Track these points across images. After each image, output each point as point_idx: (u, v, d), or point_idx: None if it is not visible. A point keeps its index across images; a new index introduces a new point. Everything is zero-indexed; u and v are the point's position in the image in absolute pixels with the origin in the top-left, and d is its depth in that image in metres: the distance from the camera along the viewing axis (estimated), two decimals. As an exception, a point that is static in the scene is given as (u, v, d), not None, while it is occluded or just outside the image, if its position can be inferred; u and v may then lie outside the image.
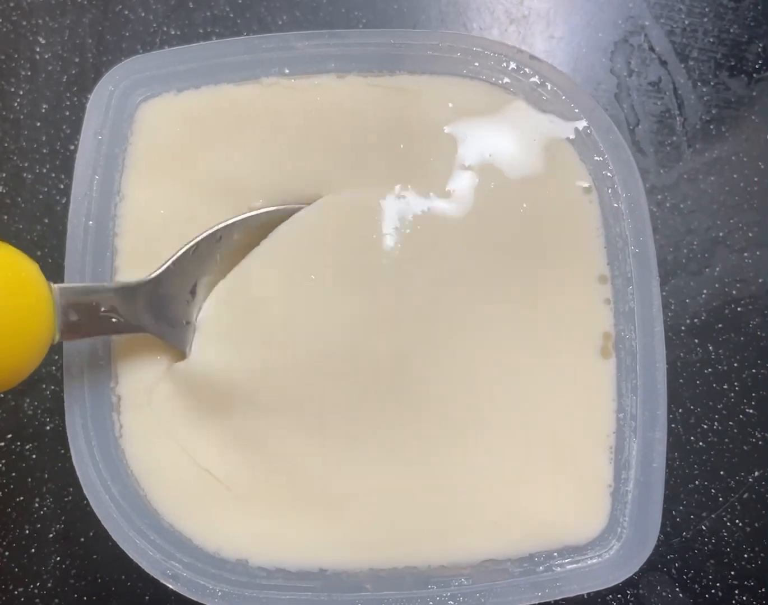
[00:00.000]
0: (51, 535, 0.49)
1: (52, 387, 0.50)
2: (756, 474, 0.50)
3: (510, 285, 0.43)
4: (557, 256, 0.44)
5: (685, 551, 0.49)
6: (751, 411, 0.50)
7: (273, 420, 0.41)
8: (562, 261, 0.44)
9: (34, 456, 0.49)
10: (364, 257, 0.43)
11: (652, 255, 0.43)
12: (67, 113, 0.53)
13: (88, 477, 0.40)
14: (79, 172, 0.43)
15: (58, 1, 0.55)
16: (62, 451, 0.49)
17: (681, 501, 0.49)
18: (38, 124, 0.53)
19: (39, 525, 0.49)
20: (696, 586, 0.49)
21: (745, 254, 0.53)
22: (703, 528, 0.49)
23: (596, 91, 0.54)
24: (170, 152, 0.44)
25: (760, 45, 0.56)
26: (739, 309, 0.52)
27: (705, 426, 0.50)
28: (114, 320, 0.38)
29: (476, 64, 0.45)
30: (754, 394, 0.51)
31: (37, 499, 0.49)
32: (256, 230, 0.43)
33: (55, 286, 0.37)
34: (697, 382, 0.51)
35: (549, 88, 0.44)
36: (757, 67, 0.55)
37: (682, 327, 0.51)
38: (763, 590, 0.48)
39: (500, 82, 0.45)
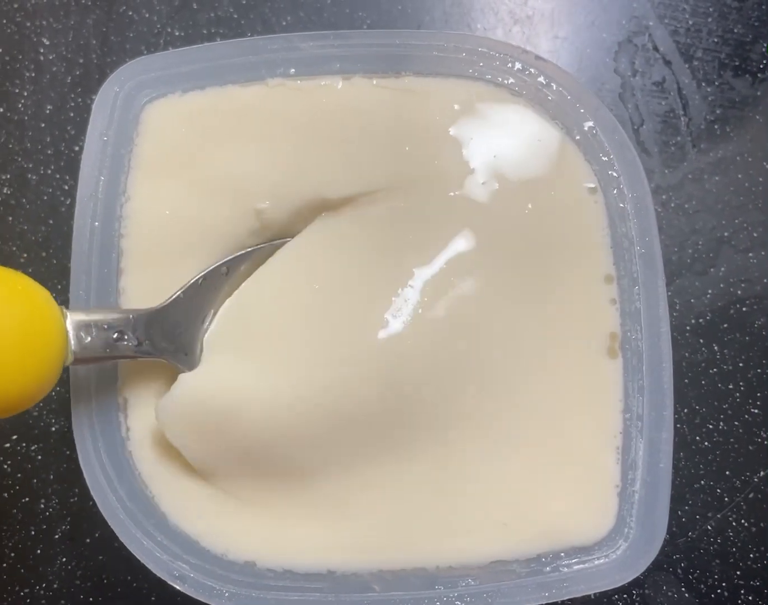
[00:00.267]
0: (57, 536, 0.49)
1: (58, 388, 0.49)
2: (761, 473, 0.50)
3: (515, 286, 0.43)
4: (563, 257, 0.44)
5: (691, 551, 0.49)
6: (756, 411, 0.50)
7: (279, 430, 0.41)
8: (568, 261, 0.44)
9: (39, 457, 0.49)
10: (369, 268, 0.43)
11: (658, 255, 0.43)
12: (72, 114, 0.53)
13: (95, 479, 0.40)
14: (84, 173, 0.43)
15: (62, 2, 0.55)
16: (68, 452, 0.49)
17: (687, 501, 0.49)
18: (43, 125, 0.53)
19: (45, 527, 0.49)
20: (702, 586, 0.49)
21: (750, 254, 0.53)
22: (709, 528, 0.49)
23: (600, 91, 0.54)
24: (176, 153, 0.44)
25: (765, 45, 0.56)
26: (744, 309, 0.52)
27: (710, 426, 0.50)
28: (125, 345, 0.39)
29: (481, 64, 0.45)
30: (759, 394, 0.51)
31: (42, 500, 0.49)
32: (262, 263, 0.44)
33: (67, 311, 0.37)
34: (703, 382, 0.51)
35: (554, 88, 0.44)
36: (761, 66, 0.55)
37: (687, 328, 0.51)
38: (769, 590, 0.48)
39: (505, 82, 0.44)
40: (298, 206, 0.44)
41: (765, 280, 0.52)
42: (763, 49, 0.55)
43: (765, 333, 0.51)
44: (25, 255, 0.51)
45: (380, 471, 0.41)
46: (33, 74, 0.54)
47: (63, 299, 0.49)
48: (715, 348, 0.51)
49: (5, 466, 0.49)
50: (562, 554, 0.41)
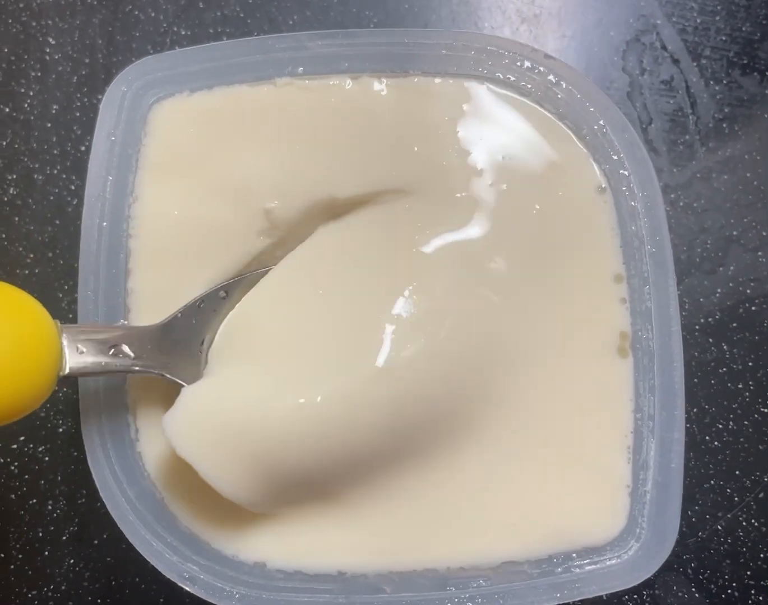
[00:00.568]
0: (64, 538, 0.48)
1: (65, 389, 0.49)
2: (771, 473, 0.50)
3: (524, 287, 0.43)
4: (572, 256, 0.44)
5: (701, 551, 0.49)
6: (766, 410, 0.50)
7: (290, 440, 0.39)
8: (578, 261, 0.44)
9: (47, 458, 0.49)
10: (375, 272, 0.43)
11: (668, 254, 0.42)
12: (78, 114, 0.53)
13: (104, 480, 0.40)
14: (92, 173, 0.43)
15: (67, 1, 0.55)
16: (75, 453, 0.49)
17: (697, 501, 0.49)
18: (49, 125, 0.53)
19: (52, 528, 0.48)
20: (712, 586, 0.48)
21: (759, 253, 0.52)
22: (719, 528, 0.49)
23: (608, 89, 0.54)
24: (184, 153, 0.44)
25: (773, 43, 0.56)
26: (753, 308, 0.52)
27: (720, 426, 0.50)
28: (121, 360, 0.38)
29: (490, 63, 0.44)
30: (769, 394, 0.51)
31: (50, 502, 0.49)
32: None
33: (62, 325, 0.37)
34: (712, 382, 0.51)
35: (564, 87, 0.44)
36: (769, 65, 0.55)
37: (697, 327, 0.51)
38: (780, 590, 0.48)
39: (515, 81, 0.44)
40: (306, 205, 0.44)
41: (774, 279, 0.52)
42: (772, 47, 0.55)
43: (774, 333, 0.51)
44: (32, 255, 0.51)
45: (391, 475, 0.41)
46: (39, 74, 0.54)
47: (70, 299, 0.50)
48: (725, 347, 0.51)
49: (12, 468, 0.49)
50: (574, 555, 0.41)
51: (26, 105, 0.53)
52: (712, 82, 0.55)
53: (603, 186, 0.44)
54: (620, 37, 0.55)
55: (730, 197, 0.53)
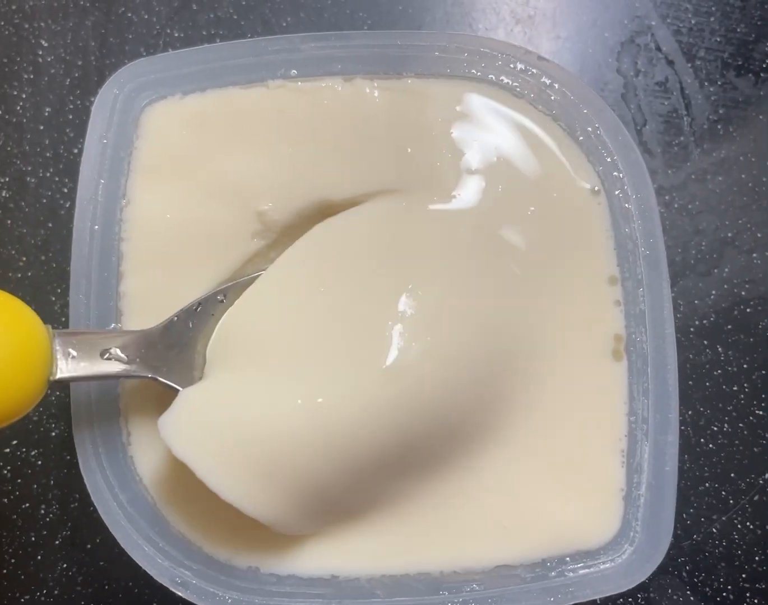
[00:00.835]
0: (57, 542, 0.48)
1: (58, 393, 0.49)
2: (767, 475, 0.49)
3: (519, 288, 0.43)
4: (567, 258, 0.43)
5: (696, 554, 0.49)
6: (761, 412, 0.50)
7: (290, 443, 0.39)
8: (572, 263, 0.43)
9: (39, 462, 0.49)
10: (372, 271, 0.42)
11: (662, 256, 0.42)
12: (71, 116, 0.53)
13: (96, 485, 0.40)
14: (84, 176, 0.42)
15: (60, 3, 0.55)
16: (68, 457, 0.49)
17: (691, 503, 0.49)
18: (41, 127, 0.53)
19: (45, 532, 0.48)
20: (707, 589, 0.48)
21: (754, 255, 0.52)
22: (714, 530, 0.49)
23: (603, 91, 0.54)
24: (176, 156, 0.44)
25: (767, 44, 0.55)
26: (748, 310, 0.52)
27: (715, 428, 0.50)
28: (114, 364, 0.38)
29: (483, 65, 0.44)
30: (764, 396, 0.50)
31: (42, 506, 0.48)
32: None
33: (54, 330, 0.37)
34: (707, 384, 0.51)
35: (557, 88, 0.44)
36: (764, 66, 0.55)
37: (691, 329, 0.51)
38: (775, 592, 0.48)
39: (508, 83, 0.44)
40: (300, 208, 0.44)
41: (769, 281, 0.52)
42: (766, 49, 0.55)
43: (769, 335, 0.51)
44: (24, 258, 0.51)
45: (386, 479, 0.41)
46: (31, 76, 0.54)
47: (62, 303, 0.50)
48: (719, 349, 0.51)
49: (5, 472, 0.49)
50: (568, 559, 0.40)
51: (19, 107, 0.53)
52: (706, 84, 0.55)
53: (597, 188, 0.44)
54: (615, 39, 0.55)
55: (724, 199, 0.53)
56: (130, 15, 0.55)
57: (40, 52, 0.54)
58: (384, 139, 0.44)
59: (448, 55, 0.44)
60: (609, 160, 0.44)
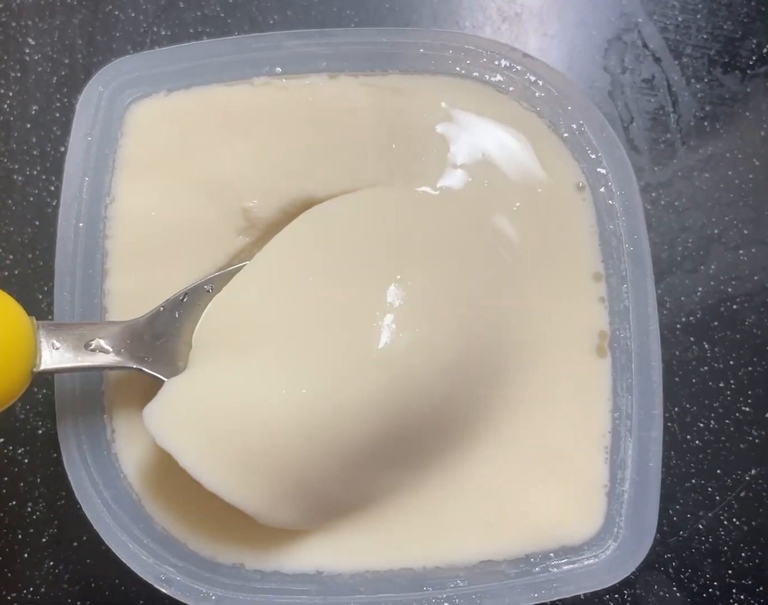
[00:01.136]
0: (44, 540, 0.48)
1: (45, 390, 0.49)
2: (753, 472, 0.49)
3: (503, 283, 0.43)
4: (552, 254, 0.44)
5: (683, 550, 0.49)
6: (747, 409, 0.50)
7: (276, 433, 0.39)
8: (557, 259, 0.44)
9: (26, 460, 0.49)
10: (357, 261, 0.42)
11: (646, 253, 0.42)
12: (58, 115, 0.53)
13: (80, 482, 0.40)
14: (68, 174, 0.43)
15: (47, 2, 0.55)
16: (55, 455, 0.49)
17: (678, 500, 0.49)
18: (28, 125, 0.53)
19: (32, 530, 0.48)
20: (693, 585, 0.48)
21: (741, 251, 0.52)
22: (700, 527, 0.49)
23: (590, 88, 0.54)
24: (161, 153, 0.44)
25: (754, 41, 0.55)
26: (734, 306, 0.52)
27: (701, 425, 0.50)
28: (99, 355, 0.38)
29: (468, 62, 0.44)
30: (750, 392, 0.50)
31: (29, 504, 0.48)
32: None
33: (36, 320, 0.37)
34: (693, 381, 0.51)
35: (542, 85, 0.44)
36: (750, 63, 0.55)
37: (678, 326, 0.51)
38: (761, 588, 0.48)
39: (493, 80, 0.44)
40: (285, 204, 0.44)
41: (755, 278, 0.52)
42: (753, 46, 0.55)
43: (755, 331, 0.51)
44: (11, 257, 0.51)
45: (371, 473, 0.41)
46: (18, 74, 0.54)
47: (49, 301, 0.50)
48: (706, 346, 0.51)
49: (-9, 470, 0.49)
50: (551, 554, 0.41)
51: (5, 106, 0.53)
52: (693, 81, 0.55)
53: (581, 184, 0.44)
54: (602, 36, 0.55)
55: (711, 196, 0.53)
56: (117, 13, 0.55)
57: (27, 51, 0.54)
58: (369, 136, 0.44)
59: (432, 52, 0.45)
60: (593, 156, 0.44)
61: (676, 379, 0.50)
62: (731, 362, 0.51)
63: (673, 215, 0.53)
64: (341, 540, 0.41)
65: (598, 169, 0.43)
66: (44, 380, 0.49)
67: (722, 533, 0.49)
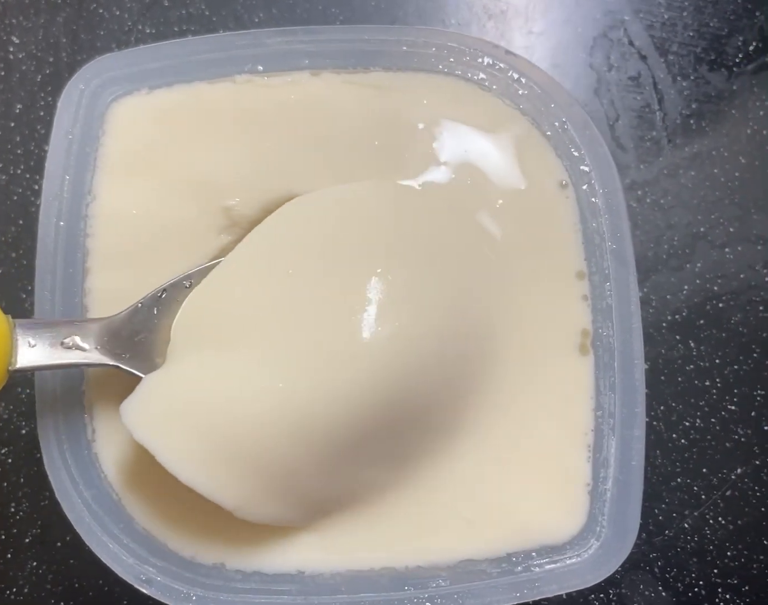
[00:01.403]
0: (27, 540, 0.48)
1: (28, 390, 0.49)
2: (739, 471, 0.49)
3: (487, 281, 0.43)
4: (535, 252, 0.43)
5: (668, 549, 0.49)
6: (733, 407, 0.50)
7: (256, 429, 0.38)
8: (540, 256, 0.43)
9: (9, 460, 0.49)
10: (337, 254, 0.41)
11: (629, 251, 0.42)
12: (42, 113, 0.53)
13: (61, 482, 0.40)
14: (49, 172, 0.42)
15: (31, 0, 0.55)
16: (38, 455, 0.47)
17: (663, 499, 0.49)
18: (12, 124, 0.53)
19: (15, 530, 0.48)
20: (679, 585, 0.48)
21: (727, 249, 0.52)
22: (686, 526, 0.49)
23: (576, 86, 0.54)
24: (143, 151, 0.44)
25: (740, 39, 0.55)
26: (720, 305, 0.51)
27: (687, 424, 0.50)
28: (76, 353, 0.38)
29: (451, 59, 0.44)
30: (736, 391, 0.50)
31: (12, 504, 0.48)
32: None
33: (12, 318, 0.37)
34: (679, 379, 0.50)
35: (524, 83, 0.44)
36: (737, 61, 0.55)
37: (663, 324, 0.51)
38: (747, 588, 0.48)
39: (476, 77, 0.44)
40: (267, 203, 0.43)
41: (741, 276, 0.52)
42: (739, 43, 0.55)
43: (741, 329, 0.51)
44: (-5, 256, 0.51)
45: (350, 469, 0.40)
46: (2, 73, 0.53)
47: (32, 300, 0.49)
48: (692, 344, 0.51)
49: (-26, 470, 0.48)
50: (534, 553, 0.40)
51: (-11, 104, 0.53)
52: (679, 78, 0.55)
53: (564, 182, 0.44)
54: (587, 34, 0.55)
55: (697, 194, 0.53)
56: (101, 11, 0.55)
57: (11, 49, 0.54)
58: (351, 133, 0.44)
59: (415, 50, 0.44)
60: (576, 154, 0.43)
61: (662, 378, 0.50)
62: (717, 360, 0.51)
63: (659, 213, 0.53)
64: (322, 540, 0.41)
65: (581, 167, 0.43)
66: (27, 380, 0.49)
67: (708, 532, 0.49)
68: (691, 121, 0.54)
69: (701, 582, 0.48)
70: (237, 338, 0.40)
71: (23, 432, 0.49)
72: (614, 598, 0.48)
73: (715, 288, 0.52)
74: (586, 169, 0.43)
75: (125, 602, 0.47)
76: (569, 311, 0.43)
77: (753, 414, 0.50)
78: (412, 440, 0.41)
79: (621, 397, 0.41)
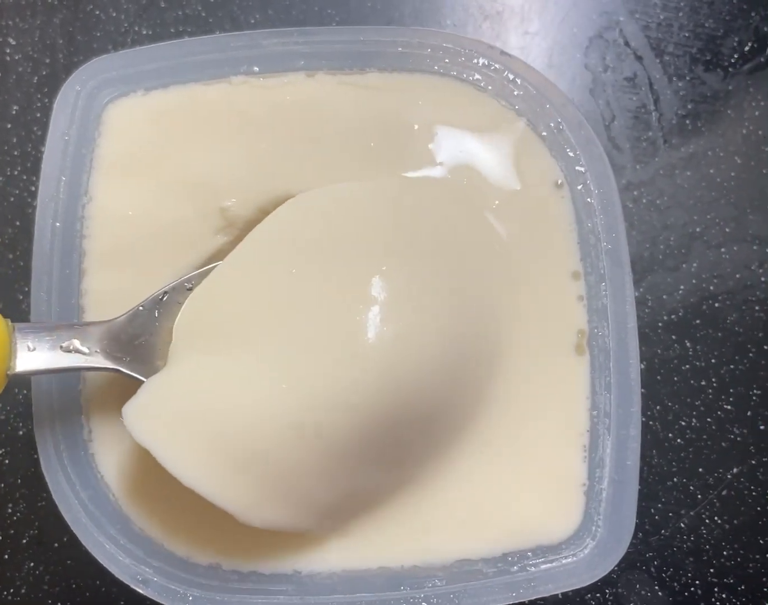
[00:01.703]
0: (24, 541, 0.48)
1: (25, 391, 0.49)
2: (735, 470, 0.49)
3: (484, 281, 0.43)
4: (530, 252, 0.43)
5: (664, 549, 0.49)
6: (729, 407, 0.50)
7: (254, 430, 0.38)
8: (536, 257, 0.44)
9: (6, 461, 0.49)
10: (340, 253, 0.41)
11: (624, 251, 0.42)
12: (38, 115, 0.53)
13: (57, 482, 0.40)
14: (46, 174, 0.42)
15: (28, 1, 0.55)
16: (35, 456, 0.47)
17: (659, 498, 0.49)
18: (9, 126, 0.53)
19: (12, 531, 0.48)
20: (675, 584, 0.48)
21: (722, 249, 0.52)
22: (682, 525, 0.49)
23: (571, 86, 0.54)
24: (139, 152, 0.44)
25: (736, 39, 0.55)
26: (716, 305, 0.52)
27: (683, 423, 0.50)
28: (76, 357, 0.38)
29: (447, 60, 0.44)
30: (731, 390, 0.50)
31: (10, 505, 0.48)
32: None
33: (11, 322, 0.37)
34: (675, 379, 0.50)
35: (520, 84, 0.44)
36: (732, 61, 0.55)
37: (660, 324, 0.51)
38: (743, 587, 0.48)
39: (471, 78, 0.44)
40: (263, 203, 0.43)
41: (737, 276, 0.52)
42: (735, 43, 0.55)
43: (737, 329, 0.51)
44: (-8, 257, 0.51)
45: (350, 469, 0.40)
46: (-1, 74, 0.54)
47: (29, 302, 0.49)
48: (688, 344, 0.51)
49: (-28, 471, 0.48)
50: (529, 553, 0.40)
51: (-14, 106, 0.53)
52: (675, 79, 0.55)
53: (560, 181, 0.44)
54: (583, 34, 0.55)
55: (693, 194, 0.53)
56: (97, 12, 0.55)
57: (8, 50, 0.54)
58: (347, 134, 0.44)
59: (411, 51, 0.44)
60: (571, 154, 0.44)
61: (658, 378, 0.50)
62: (713, 360, 0.51)
63: (655, 213, 0.53)
64: (318, 540, 0.41)
65: (577, 167, 0.43)
66: (25, 381, 0.49)
67: (704, 532, 0.49)
68: (687, 122, 0.54)
69: (697, 582, 0.48)
70: (238, 339, 0.40)
71: (20, 433, 0.49)
72: (610, 598, 0.48)
73: (711, 288, 0.52)
74: (582, 169, 0.43)
75: (122, 602, 0.47)
76: (565, 311, 0.43)
77: (749, 413, 0.50)
78: (413, 441, 0.41)
79: (616, 397, 0.41)
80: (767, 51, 0.55)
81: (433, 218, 0.43)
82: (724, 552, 0.49)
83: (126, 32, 0.54)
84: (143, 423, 0.38)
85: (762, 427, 0.50)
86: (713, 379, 0.51)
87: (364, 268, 0.40)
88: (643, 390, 0.41)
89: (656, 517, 0.49)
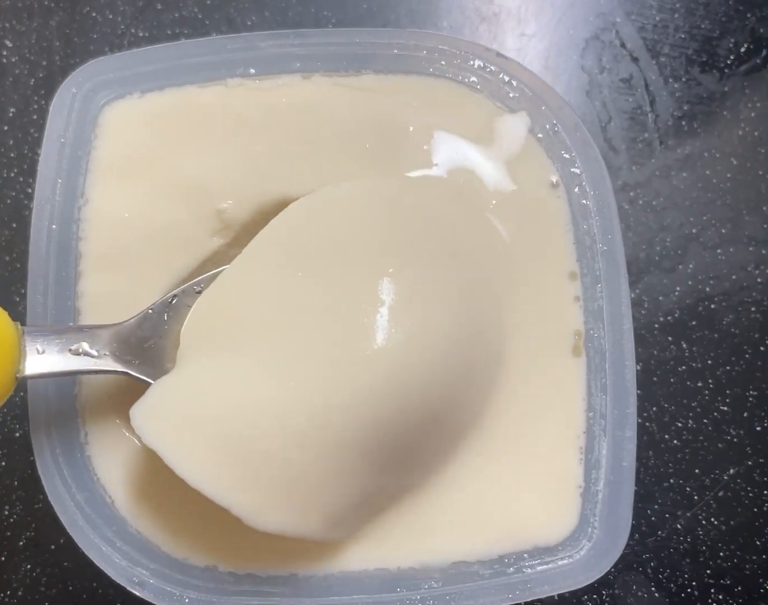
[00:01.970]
0: (21, 543, 0.48)
1: (22, 393, 0.49)
2: (731, 471, 0.49)
3: (481, 283, 0.43)
4: (527, 253, 0.44)
5: (661, 550, 0.49)
6: (725, 408, 0.50)
7: (262, 433, 0.38)
8: (533, 257, 0.44)
9: (3, 463, 0.49)
10: (347, 255, 0.41)
11: (620, 252, 0.42)
12: (35, 117, 0.53)
13: (53, 484, 0.40)
14: (42, 176, 0.42)
15: (25, 4, 0.55)
16: (32, 459, 0.47)
17: (656, 500, 0.49)
18: (5, 128, 0.53)
19: (9, 533, 0.48)
20: (672, 585, 0.48)
21: (719, 251, 0.52)
22: (679, 526, 0.49)
23: (568, 88, 0.54)
24: (135, 155, 0.44)
25: (732, 40, 0.55)
26: (712, 306, 0.52)
27: (679, 424, 0.50)
28: (85, 360, 0.38)
29: (442, 62, 0.44)
30: (728, 391, 0.50)
31: (7, 507, 0.48)
32: None
33: (21, 326, 0.36)
34: (671, 380, 0.51)
35: (515, 85, 0.44)
36: (728, 62, 0.55)
37: (656, 325, 0.51)
38: (739, 588, 0.48)
39: (467, 80, 0.44)
40: (259, 205, 0.43)
41: (733, 277, 0.52)
42: (731, 45, 0.55)
43: (733, 330, 0.51)
44: (-12, 259, 0.51)
45: (354, 471, 0.40)
46: (-5, 77, 0.54)
47: (26, 304, 0.49)
48: (684, 345, 0.51)
49: (-32, 473, 0.48)
50: (526, 555, 0.40)
51: (-18, 108, 0.53)
52: (671, 80, 0.55)
53: (555, 183, 0.44)
54: (579, 36, 0.55)
55: (689, 195, 0.53)
56: (94, 15, 0.55)
57: (5, 53, 0.54)
58: (342, 136, 0.44)
59: (406, 53, 0.44)
60: (567, 156, 0.44)
61: (654, 379, 0.50)
62: (709, 361, 0.51)
63: (651, 215, 0.53)
64: (314, 542, 0.40)
65: (572, 169, 0.43)
66: (22, 384, 0.48)
67: (701, 533, 0.49)
68: (683, 123, 0.54)
69: (694, 583, 0.48)
70: (247, 342, 0.39)
71: (17, 435, 0.49)
72: (607, 599, 0.48)
73: (707, 289, 0.52)
74: (577, 170, 0.43)
75: (119, 604, 0.47)
76: (562, 312, 0.43)
77: (745, 414, 0.50)
78: (419, 445, 0.41)
79: (612, 399, 0.41)
80: (763, 52, 0.55)
81: (437, 218, 0.43)
82: (721, 554, 0.49)
83: (122, 34, 0.54)
84: (151, 425, 0.38)
85: (758, 428, 0.50)
86: (709, 380, 0.51)
87: (370, 270, 0.40)
88: (639, 391, 0.41)
89: (653, 518, 0.49)
